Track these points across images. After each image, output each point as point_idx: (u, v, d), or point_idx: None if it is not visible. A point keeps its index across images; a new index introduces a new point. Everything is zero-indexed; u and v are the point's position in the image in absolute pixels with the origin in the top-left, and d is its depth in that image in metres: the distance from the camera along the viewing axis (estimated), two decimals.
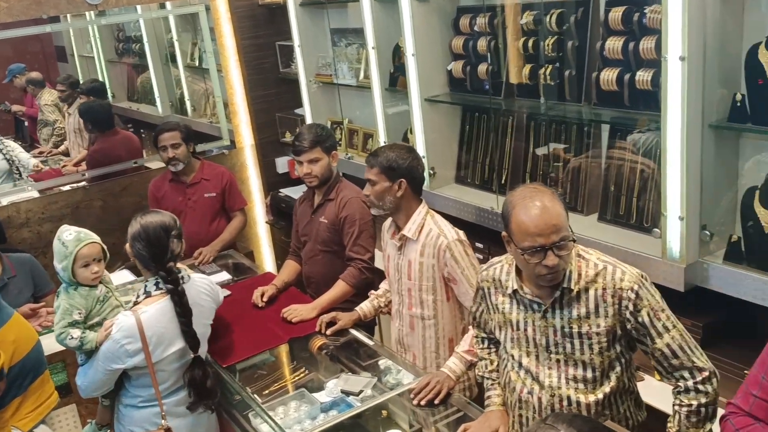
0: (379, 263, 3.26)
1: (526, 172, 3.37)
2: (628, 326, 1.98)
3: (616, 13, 2.77)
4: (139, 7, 5.01)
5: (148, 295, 2.63)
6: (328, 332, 3.02)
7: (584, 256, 2.03)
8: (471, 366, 2.56)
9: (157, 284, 2.63)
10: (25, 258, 3.59)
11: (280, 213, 5.25)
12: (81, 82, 5.26)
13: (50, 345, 2.93)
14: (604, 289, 1.98)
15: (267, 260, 5.62)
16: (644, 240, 2.72)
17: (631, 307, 1.96)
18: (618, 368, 2.05)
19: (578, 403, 2.05)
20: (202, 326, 2.73)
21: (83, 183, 4.82)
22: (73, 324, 2.62)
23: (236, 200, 4.25)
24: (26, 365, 2.70)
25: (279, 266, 4.80)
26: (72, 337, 2.59)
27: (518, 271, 2.09)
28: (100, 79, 5.52)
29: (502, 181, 3.46)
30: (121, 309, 2.75)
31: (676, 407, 1.98)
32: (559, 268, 1.94)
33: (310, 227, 3.43)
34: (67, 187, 4.77)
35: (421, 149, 3.66)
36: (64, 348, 2.74)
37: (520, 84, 3.32)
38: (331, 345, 3.01)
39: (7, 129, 5.36)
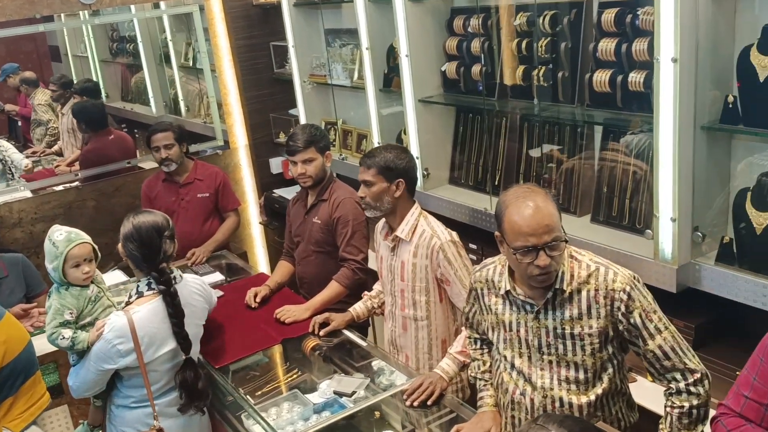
0: (372, 264, 3.26)
1: (520, 173, 3.37)
2: (621, 327, 1.99)
3: (609, 15, 2.78)
4: (133, 6, 5.00)
5: (140, 295, 2.62)
6: (321, 333, 3.02)
7: (577, 258, 2.03)
8: (464, 367, 2.56)
9: (149, 284, 2.62)
10: (17, 258, 3.57)
11: (274, 213, 5.24)
12: (75, 81, 5.25)
13: (42, 346, 2.92)
14: (596, 290, 1.98)
15: (260, 261, 5.62)
16: (636, 241, 2.72)
17: (623, 309, 1.96)
18: (610, 369, 2.05)
19: (570, 404, 2.05)
20: (194, 327, 2.73)
21: (76, 183, 4.81)
22: (65, 324, 2.62)
23: (230, 200, 4.24)
24: (17, 366, 2.68)
25: (272, 267, 4.79)
26: (63, 337, 2.58)
27: (511, 272, 2.09)
28: (94, 78, 5.50)
29: (496, 182, 3.47)
30: (113, 309, 2.74)
31: (668, 409, 1.98)
32: (552, 268, 1.94)
33: (304, 228, 3.42)
34: (60, 187, 4.76)
35: (414, 150, 3.66)
36: (56, 349, 2.73)
37: (513, 85, 3.32)
38: (324, 346, 3.00)
39: (0, 129, 5.35)
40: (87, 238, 2.71)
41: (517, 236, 1.92)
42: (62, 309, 2.63)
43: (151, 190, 4.18)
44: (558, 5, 3.03)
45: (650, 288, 2.05)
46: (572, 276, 2.00)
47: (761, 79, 2.29)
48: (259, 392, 2.74)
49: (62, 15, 4.70)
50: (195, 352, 2.74)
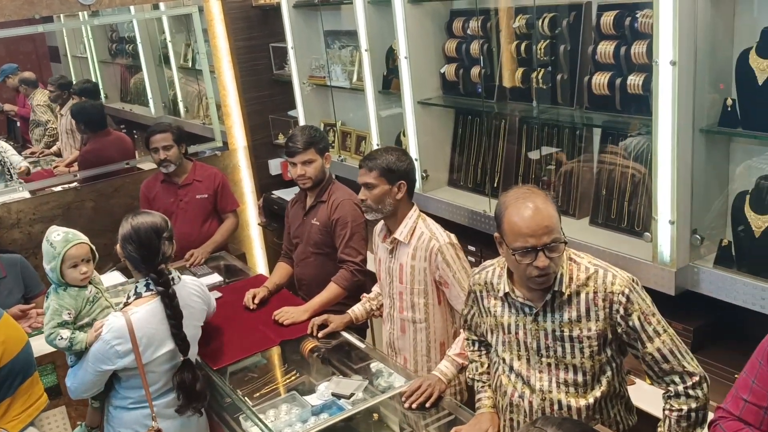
0: (371, 266, 3.26)
1: (519, 175, 3.37)
2: (619, 330, 1.99)
3: (608, 18, 2.78)
4: (132, 7, 5.00)
5: (138, 296, 2.62)
6: (320, 335, 3.02)
7: (576, 260, 2.03)
8: (462, 369, 2.55)
9: (147, 285, 2.62)
10: (15, 259, 3.57)
11: (273, 215, 5.24)
12: (74, 82, 5.25)
13: (40, 346, 2.91)
14: (595, 292, 1.98)
15: (259, 262, 5.61)
16: (635, 244, 2.72)
17: (622, 311, 1.96)
18: (609, 372, 2.05)
19: (569, 407, 2.05)
20: (193, 328, 2.72)
21: (75, 184, 4.81)
22: (63, 324, 2.61)
23: (228, 202, 4.24)
24: (15, 367, 2.68)
25: (271, 268, 4.79)
26: (61, 338, 2.58)
27: (510, 274, 2.09)
28: (93, 79, 5.51)
29: (495, 185, 3.47)
30: (111, 310, 2.74)
31: (667, 412, 1.98)
32: (550, 270, 1.94)
33: (302, 229, 3.42)
34: (58, 188, 4.75)
35: (413, 152, 3.66)
36: (54, 350, 2.73)
37: (512, 87, 3.32)
38: (322, 348, 3.00)
39: None
40: (84, 238, 2.71)
41: (517, 237, 1.92)
42: (60, 309, 2.62)
43: (150, 191, 4.18)
44: (557, 8, 3.04)
45: (649, 291, 2.05)
46: (571, 278, 2.00)
47: (760, 82, 2.29)
48: (257, 394, 2.73)
49: (61, 16, 4.69)
50: (193, 354, 2.74)
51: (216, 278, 3.80)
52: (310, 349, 3.01)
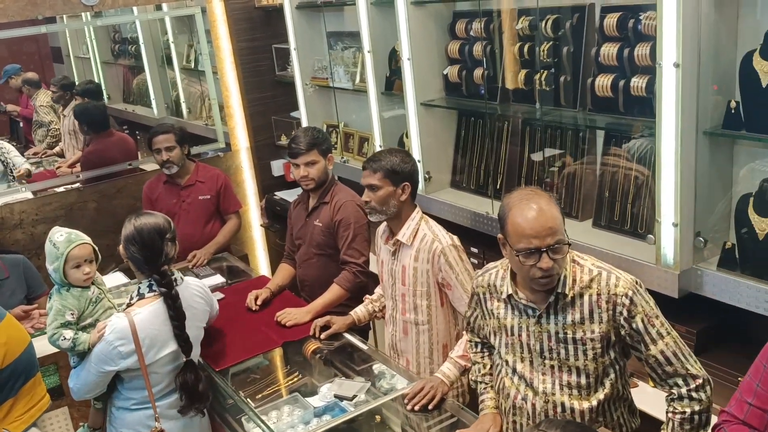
0: (373, 267, 3.26)
1: (522, 177, 3.37)
2: (623, 332, 1.98)
3: (611, 20, 2.78)
4: (135, 8, 5.00)
5: (141, 297, 2.62)
6: (322, 336, 3.01)
7: (579, 262, 2.03)
8: (465, 371, 2.55)
9: (150, 286, 2.62)
10: (18, 259, 3.57)
11: (275, 216, 5.24)
12: (76, 83, 5.26)
13: (42, 347, 2.91)
14: (598, 294, 1.98)
15: (261, 263, 5.61)
16: (638, 246, 2.72)
17: (625, 313, 1.96)
18: (612, 375, 2.05)
19: (572, 409, 2.04)
20: (195, 329, 2.73)
21: (77, 184, 4.81)
22: (66, 325, 2.61)
23: (231, 203, 4.24)
24: (18, 367, 2.68)
25: (273, 269, 4.79)
26: (64, 338, 2.58)
27: (513, 276, 2.09)
28: (96, 80, 5.52)
29: (498, 186, 3.47)
30: (113, 311, 2.74)
31: (670, 414, 1.98)
32: (554, 272, 1.94)
33: (305, 230, 3.42)
34: (61, 189, 4.75)
35: (416, 153, 3.66)
36: (57, 350, 2.73)
37: (515, 89, 3.32)
38: (324, 349, 3.00)
39: (1, 129, 5.36)
40: (87, 239, 2.71)
41: (520, 238, 1.92)
42: (63, 310, 2.63)
43: (153, 192, 4.18)
44: (560, 9, 3.04)
45: (652, 293, 2.04)
46: (574, 280, 1.99)
47: (764, 85, 2.29)
48: (260, 395, 2.73)
49: (64, 16, 4.70)
50: (196, 355, 2.74)
51: (218, 279, 3.80)
52: (313, 351, 3.00)
